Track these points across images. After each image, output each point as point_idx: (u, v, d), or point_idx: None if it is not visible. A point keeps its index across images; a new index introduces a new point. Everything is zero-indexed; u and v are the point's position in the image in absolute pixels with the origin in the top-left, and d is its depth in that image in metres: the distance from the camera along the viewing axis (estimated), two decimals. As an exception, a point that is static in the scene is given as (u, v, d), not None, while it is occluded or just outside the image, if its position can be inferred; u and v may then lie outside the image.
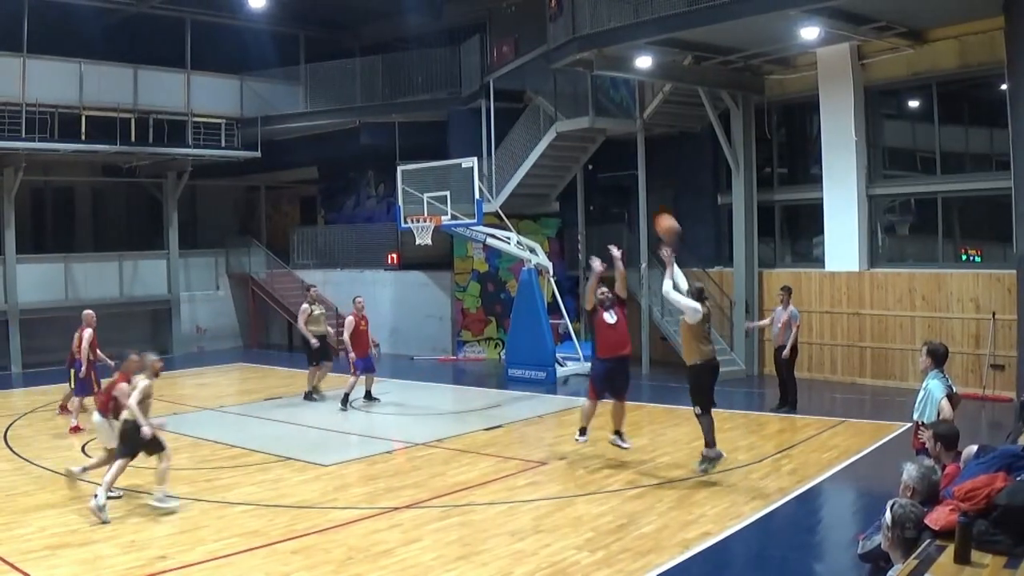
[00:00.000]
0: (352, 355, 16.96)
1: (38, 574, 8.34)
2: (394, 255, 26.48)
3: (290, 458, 13.16)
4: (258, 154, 26.86)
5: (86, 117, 23.77)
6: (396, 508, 10.47)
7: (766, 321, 17.37)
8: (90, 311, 16.27)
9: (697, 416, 11.46)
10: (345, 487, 11.55)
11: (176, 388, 19.64)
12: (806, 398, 16.55)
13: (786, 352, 16.00)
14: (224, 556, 8.81)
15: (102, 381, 14.10)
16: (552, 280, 21.06)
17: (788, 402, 16.14)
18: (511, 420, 16.11)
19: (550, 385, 19.77)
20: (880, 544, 5.79)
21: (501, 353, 23.50)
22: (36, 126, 22.62)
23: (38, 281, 24.39)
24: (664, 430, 14.81)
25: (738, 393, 18.23)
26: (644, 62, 18.39)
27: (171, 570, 8.42)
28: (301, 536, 9.45)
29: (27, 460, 12.93)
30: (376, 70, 26.89)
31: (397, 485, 11.63)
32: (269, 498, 11.06)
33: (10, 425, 15.67)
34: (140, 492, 11.19)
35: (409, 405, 18.05)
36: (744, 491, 10.95)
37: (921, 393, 8.83)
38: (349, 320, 17.14)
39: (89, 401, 14.37)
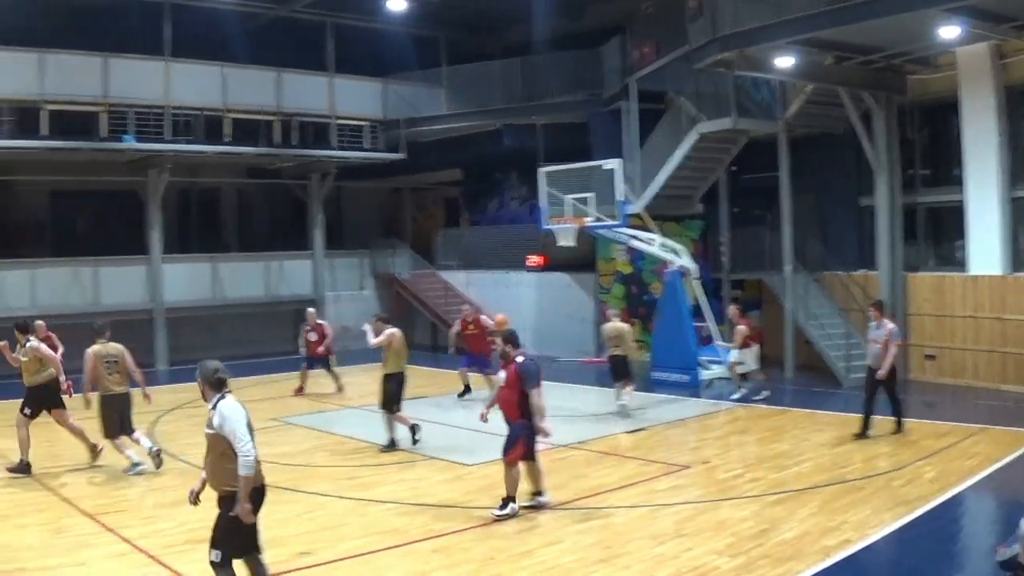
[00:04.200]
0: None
1: (179, 567, 8.71)
2: (538, 256, 26.77)
3: (433, 457, 13.57)
4: (403, 156, 27.55)
5: (230, 120, 24.76)
6: (537, 509, 10.70)
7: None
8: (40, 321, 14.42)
9: (214, 564, 7.41)
10: (488, 487, 11.50)
11: (321, 387, 20.23)
12: (948, 404, 16.13)
13: (882, 373, 14.16)
14: (365, 553, 9.15)
15: None
16: (697, 282, 21.05)
17: (898, 425, 14.67)
18: (654, 423, 16.26)
19: (694, 388, 19.77)
20: (1019, 554, 5.81)
21: (645, 355, 23.50)
22: (181, 128, 23.65)
23: (185, 280, 25.45)
24: (807, 435, 14.79)
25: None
26: (785, 62, 18.28)
27: (312, 566, 8.79)
28: (441, 535, 9.71)
29: (172, 455, 13.25)
30: (515, 72, 27.29)
31: (540, 487, 11.89)
32: (411, 496, 11.43)
33: (156, 421, 16.34)
34: (279, 487, 11.71)
35: (552, 406, 18.08)
36: (885, 498, 10.90)
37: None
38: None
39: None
